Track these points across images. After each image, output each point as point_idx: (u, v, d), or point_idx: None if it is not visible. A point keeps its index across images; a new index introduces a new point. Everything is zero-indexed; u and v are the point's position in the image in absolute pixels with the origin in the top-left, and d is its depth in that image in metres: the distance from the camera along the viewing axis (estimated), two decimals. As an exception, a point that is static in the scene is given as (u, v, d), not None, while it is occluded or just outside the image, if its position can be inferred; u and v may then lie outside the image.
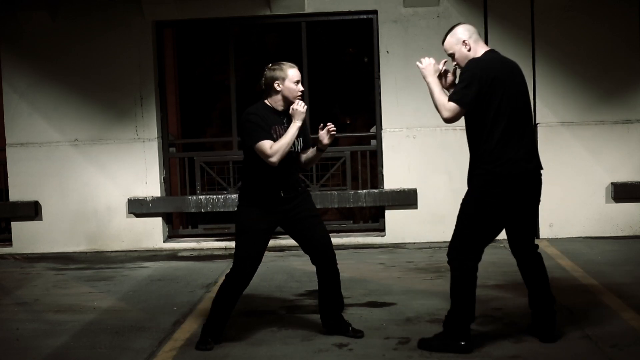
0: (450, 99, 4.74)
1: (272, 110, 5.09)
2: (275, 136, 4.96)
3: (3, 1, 8.90)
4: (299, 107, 4.97)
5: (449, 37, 4.96)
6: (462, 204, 4.89)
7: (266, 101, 5.12)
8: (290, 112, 5.00)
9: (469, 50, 4.90)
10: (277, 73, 5.03)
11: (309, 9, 8.93)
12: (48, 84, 9.08)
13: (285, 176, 5.06)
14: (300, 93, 5.06)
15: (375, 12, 8.90)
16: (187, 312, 6.14)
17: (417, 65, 4.95)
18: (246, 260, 5.03)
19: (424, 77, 4.90)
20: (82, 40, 9.03)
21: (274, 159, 4.89)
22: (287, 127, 4.99)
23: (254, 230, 5.02)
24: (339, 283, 5.27)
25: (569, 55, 8.72)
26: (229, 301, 5.15)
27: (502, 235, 9.05)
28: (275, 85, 5.03)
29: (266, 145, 4.89)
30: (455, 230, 4.89)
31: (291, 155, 5.03)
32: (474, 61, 4.84)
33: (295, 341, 5.25)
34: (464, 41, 4.89)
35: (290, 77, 5.02)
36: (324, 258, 5.16)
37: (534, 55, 8.74)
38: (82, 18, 9.02)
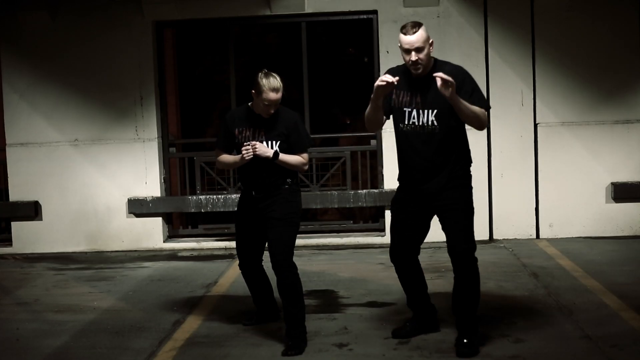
0: (484, 107, 4.77)
1: (251, 112, 5.28)
2: (240, 137, 5.26)
3: (3, 1, 8.89)
4: (245, 155, 5.12)
5: (421, 30, 4.69)
6: (463, 202, 4.88)
7: (250, 103, 5.31)
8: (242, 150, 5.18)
9: (431, 52, 4.83)
10: (259, 85, 5.11)
11: (309, 9, 8.92)
12: (48, 84, 9.07)
13: (256, 177, 5.25)
14: (269, 112, 5.17)
15: (375, 12, 8.90)
16: (187, 312, 6.14)
17: (443, 79, 4.53)
18: (236, 243, 5.54)
19: (450, 96, 4.56)
20: (82, 40, 9.02)
21: (217, 166, 5.61)
22: (260, 130, 5.20)
23: (238, 219, 5.50)
24: (271, 289, 5.61)
25: (569, 55, 8.72)
26: (245, 279, 5.65)
27: (502, 235, 9.07)
28: (253, 91, 5.17)
29: (217, 152, 5.45)
30: (466, 228, 4.87)
31: (259, 158, 5.15)
32: (460, 68, 4.87)
33: (295, 341, 5.26)
34: (432, 41, 4.83)
35: (263, 97, 5.11)
36: (271, 260, 5.21)
37: (534, 55, 8.74)
38: (82, 18, 9.02)
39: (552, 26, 8.70)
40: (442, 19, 8.76)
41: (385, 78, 4.64)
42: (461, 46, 8.74)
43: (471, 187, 4.98)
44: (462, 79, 4.75)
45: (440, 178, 4.85)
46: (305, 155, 5.32)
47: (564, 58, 8.71)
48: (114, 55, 9.01)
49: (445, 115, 4.77)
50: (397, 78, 4.65)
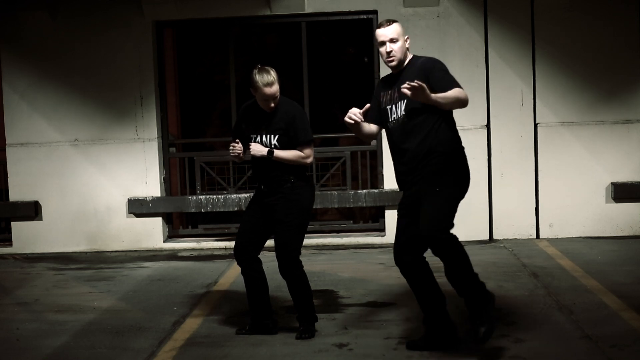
0: (456, 87, 4.70)
1: (256, 106, 5.34)
2: (246, 131, 5.38)
3: (3, 1, 8.90)
4: (231, 153, 5.29)
5: (396, 25, 4.84)
6: (441, 184, 4.73)
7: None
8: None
9: (407, 47, 4.91)
10: (254, 82, 5.18)
11: (309, 9, 8.93)
12: (48, 84, 9.08)
13: (263, 171, 5.31)
14: (270, 106, 5.22)
15: (375, 12, 8.90)
16: (187, 312, 6.14)
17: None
18: (238, 231, 5.48)
19: (425, 99, 4.57)
20: (82, 40, 9.03)
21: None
22: (261, 124, 5.26)
23: (246, 210, 5.53)
24: (267, 292, 5.46)
25: (569, 55, 8.72)
26: (242, 274, 5.47)
27: (502, 235, 9.06)
28: (251, 89, 5.23)
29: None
30: (442, 210, 4.69)
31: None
32: (432, 58, 4.92)
33: (295, 341, 5.26)
34: (407, 37, 4.92)
35: (260, 93, 5.19)
36: (278, 264, 5.31)
37: (534, 55, 8.74)
38: (82, 18, 9.02)
39: (552, 26, 8.71)
40: (442, 19, 8.76)
41: (352, 116, 4.81)
42: (461, 46, 8.75)
43: (457, 174, 4.80)
44: (431, 66, 4.79)
45: (419, 168, 4.76)
46: (307, 149, 5.27)
47: (564, 58, 8.72)
48: (114, 55, 9.01)
49: (411, 102, 4.74)
50: (362, 110, 4.82)
